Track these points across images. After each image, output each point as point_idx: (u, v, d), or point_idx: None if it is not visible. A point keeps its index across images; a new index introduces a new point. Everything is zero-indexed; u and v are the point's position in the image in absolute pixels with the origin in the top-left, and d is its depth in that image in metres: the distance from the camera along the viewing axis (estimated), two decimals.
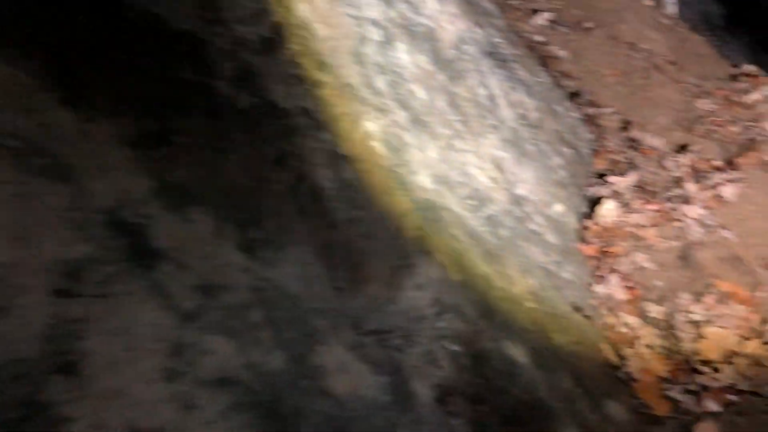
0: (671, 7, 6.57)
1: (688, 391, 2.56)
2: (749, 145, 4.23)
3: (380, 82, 2.51)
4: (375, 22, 2.64)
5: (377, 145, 2.34)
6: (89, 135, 1.39)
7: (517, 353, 2.12)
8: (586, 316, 2.81)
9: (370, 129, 2.34)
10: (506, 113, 3.63)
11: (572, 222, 3.62)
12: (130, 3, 1.78)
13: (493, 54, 4.04)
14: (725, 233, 3.51)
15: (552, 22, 6.06)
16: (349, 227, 2.04)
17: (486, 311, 2.15)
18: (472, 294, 2.16)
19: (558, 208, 3.58)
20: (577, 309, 2.79)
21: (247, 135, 1.82)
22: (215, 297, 1.47)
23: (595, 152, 4.32)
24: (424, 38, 3.05)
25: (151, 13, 1.84)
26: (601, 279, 3.26)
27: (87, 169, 1.35)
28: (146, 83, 1.64)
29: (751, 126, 4.47)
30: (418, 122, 2.64)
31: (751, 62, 5.63)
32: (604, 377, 2.46)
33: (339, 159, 2.16)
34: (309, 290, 1.75)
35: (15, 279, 1.16)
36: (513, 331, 2.19)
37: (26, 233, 1.21)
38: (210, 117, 1.75)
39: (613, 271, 3.31)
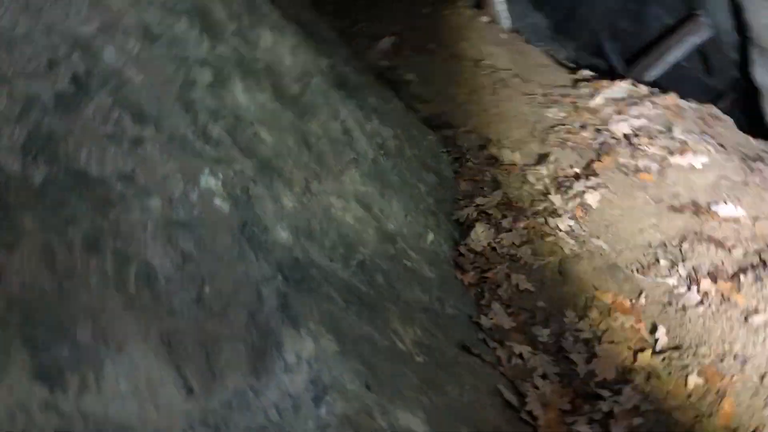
0: (505, 21, 6.72)
1: (593, 420, 2.40)
2: (603, 149, 4.28)
3: (217, 130, 2.17)
4: (203, 62, 2.30)
5: (221, 203, 1.99)
6: None
7: (413, 422, 1.84)
8: (477, 355, 2.60)
9: (210, 185, 1.99)
10: (364, 145, 3.39)
11: (447, 250, 3.43)
12: None
13: (341, 84, 3.80)
14: (597, 242, 3.47)
15: (396, 46, 5.97)
16: (195, 309, 1.68)
17: (372, 380, 1.85)
18: (354, 363, 1.86)
19: (430, 237, 3.38)
20: (467, 349, 2.57)
21: (43, 219, 1.42)
22: None
23: (458, 174, 4.20)
24: (263, 74, 2.75)
25: None
26: (484, 309, 3.08)
27: None
28: None
29: (601, 129, 4.54)
30: (267, 169, 2.32)
31: (584, 67, 5.83)
32: (507, 423, 2.24)
33: (173, 227, 1.79)
34: (150, 405, 1.37)
35: None
36: (405, 397, 1.91)
37: None
38: None
39: (495, 298, 3.14)
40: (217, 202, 1.97)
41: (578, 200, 3.74)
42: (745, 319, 2.81)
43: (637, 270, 3.26)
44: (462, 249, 3.46)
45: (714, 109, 4.69)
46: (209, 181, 1.98)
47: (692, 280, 3.08)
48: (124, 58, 2.02)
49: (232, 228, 1.96)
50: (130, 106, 1.93)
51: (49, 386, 1.17)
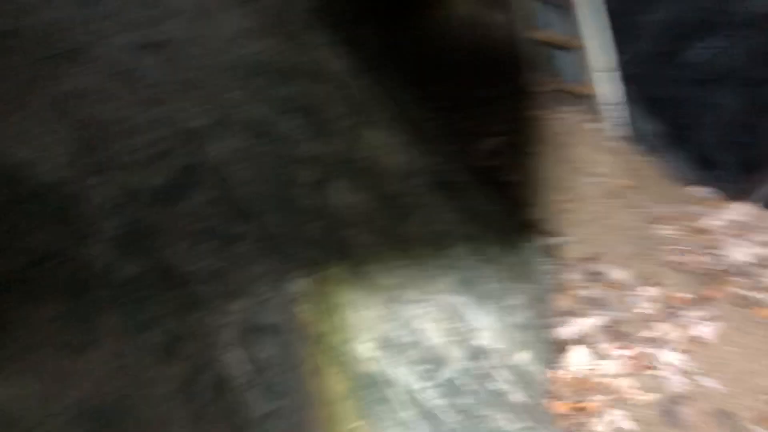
0: (618, 128, 6.55)
1: None
2: (718, 276, 3.96)
3: (312, 231, 2.13)
4: (307, 161, 2.30)
5: (301, 311, 1.91)
6: None
7: None
8: None
9: (294, 289, 1.92)
10: (461, 250, 3.28)
11: (539, 372, 3.20)
12: None
13: (443, 184, 3.73)
14: (708, 382, 3.13)
15: (501, 146, 5.91)
16: (264, 425, 1.58)
17: None
18: None
19: (522, 356, 3.17)
20: None
21: (123, 319, 1.37)
22: None
23: (557, 288, 3.98)
24: (366, 174, 2.72)
25: (6, 166, 1.44)
26: None
27: None
28: None
29: (715, 254, 4.22)
30: (357, 273, 2.24)
31: (697, 182, 5.51)
32: None
33: (255, 333, 1.72)
34: None
35: None
36: None
37: None
38: (71, 298, 1.31)
39: None
40: (298, 309, 1.89)
41: (690, 331, 3.43)
42: None
43: (752, 420, 2.90)
44: (556, 373, 3.21)
45: None
46: (293, 285, 1.91)
47: None
48: (230, 154, 2.03)
49: (310, 337, 1.87)
50: (228, 203, 1.92)
51: None
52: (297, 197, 2.15)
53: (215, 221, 1.83)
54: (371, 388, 1.92)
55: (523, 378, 3.03)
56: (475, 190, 4.41)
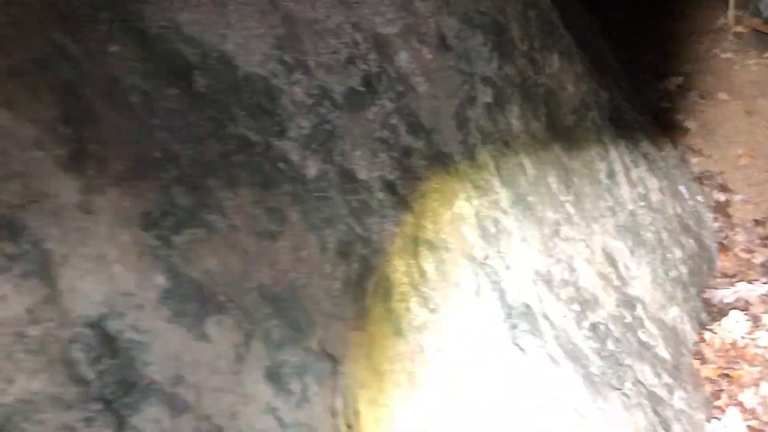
0: None
1: None
2: None
3: (484, 154, 2.10)
4: (487, 80, 2.24)
5: (469, 231, 1.92)
6: (91, 211, 1.04)
7: None
8: None
9: (464, 210, 1.92)
10: (625, 193, 3.12)
11: (689, 332, 3.05)
12: (191, 36, 1.45)
13: (616, 121, 3.54)
14: None
15: (681, 88, 5.46)
16: (419, 336, 1.63)
17: None
18: None
19: (674, 312, 3.03)
20: None
21: (304, 214, 1.44)
22: None
23: (722, 247, 3.72)
24: (542, 101, 2.62)
25: (218, 50, 1.51)
26: (718, 412, 2.69)
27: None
28: (189, 143, 1.29)
29: None
30: (522, 204, 2.20)
31: None
32: None
33: (418, 246, 1.75)
34: None
35: None
36: None
37: None
38: (264, 189, 1.38)
39: (734, 403, 2.72)
40: (465, 229, 1.89)
41: None
42: None
43: None
44: (707, 335, 3.05)
45: None
46: (463, 206, 1.91)
47: None
48: (415, 66, 2.01)
49: (474, 258, 1.88)
50: (408, 115, 1.92)
51: (274, 390, 1.18)
52: (473, 118, 2.12)
53: (394, 133, 1.84)
54: (525, 318, 1.91)
55: (671, 334, 2.90)
56: (646, 132, 4.15)
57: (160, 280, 1.10)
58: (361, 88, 1.82)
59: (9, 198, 0.96)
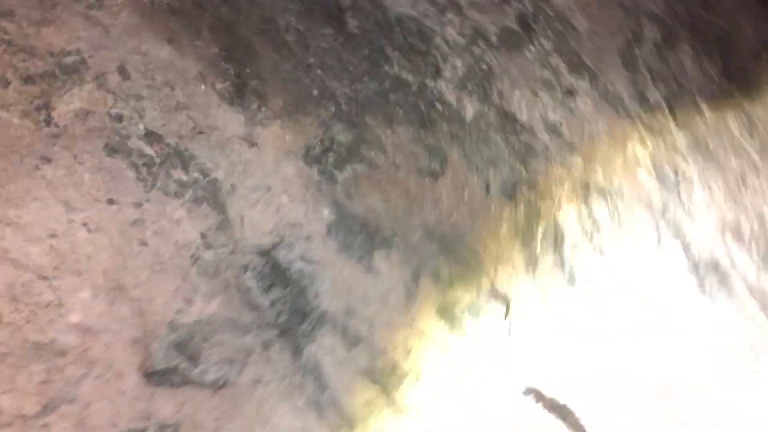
0: None
1: None
2: None
3: (655, 94, 1.90)
4: (654, 17, 2.03)
5: (645, 177, 1.74)
6: (255, 143, 1.02)
7: None
8: None
9: (638, 154, 1.75)
10: None
11: None
12: None
13: None
14: None
15: None
16: (592, 287, 1.49)
17: None
18: None
19: None
20: None
21: (465, 154, 1.35)
22: None
23: None
24: (716, 42, 2.35)
25: None
26: None
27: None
28: (345, 81, 1.25)
29: None
30: (701, 148, 1.97)
31: None
32: None
33: (590, 192, 1.60)
34: None
35: None
36: None
37: None
38: (422, 128, 1.31)
39: None
40: (642, 175, 1.72)
41: None
42: None
43: None
44: None
45: None
46: (637, 149, 1.73)
47: None
48: (573, 2, 1.86)
49: (652, 207, 1.70)
50: (569, 54, 1.78)
51: (450, 326, 1.11)
52: (640, 57, 1.93)
53: (555, 73, 1.70)
54: (713, 272, 1.70)
55: None
56: None
57: (326, 213, 1.06)
58: (517, 28, 1.70)
59: (177, 128, 0.96)
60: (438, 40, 1.52)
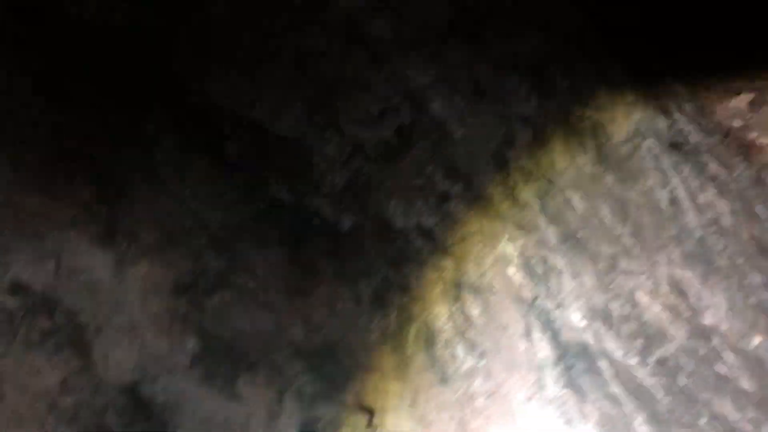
0: None
1: None
2: None
3: (526, 192, 2.08)
4: (527, 120, 2.24)
5: (514, 272, 1.90)
6: (123, 282, 1.11)
7: None
8: None
9: (507, 251, 1.91)
10: (692, 219, 3.01)
11: None
12: (223, 106, 1.53)
13: (678, 145, 3.44)
14: None
15: (753, 104, 5.24)
16: (466, 384, 1.61)
17: None
18: None
19: (757, 341, 2.85)
20: None
21: (338, 267, 1.47)
22: None
23: None
24: (588, 134, 2.59)
25: (248, 117, 1.59)
26: None
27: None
28: (219, 209, 1.36)
29: None
30: (572, 240, 2.16)
31: None
32: None
33: (461, 291, 1.75)
34: None
35: None
36: None
37: None
38: (296, 246, 1.43)
39: None
40: (510, 270, 1.88)
41: None
42: None
43: None
44: None
45: None
46: (507, 247, 1.90)
47: None
48: (449, 112, 2.04)
49: (521, 300, 1.86)
50: (444, 161, 1.94)
51: None
52: (512, 158, 2.12)
53: (430, 180, 1.86)
54: (580, 358, 1.86)
55: (755, 364, 2.74)
56: (715, 153, 4.00)
57: (191, 343, 1.15)
58: (395, 140, 1.86)
59: (44, 276, 1.04)
60: (317, 158, 1.66)
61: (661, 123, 3.32)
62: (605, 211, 2.42)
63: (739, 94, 5.31)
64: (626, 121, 2.91)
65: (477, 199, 1.95)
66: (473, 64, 2.16)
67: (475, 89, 2.13)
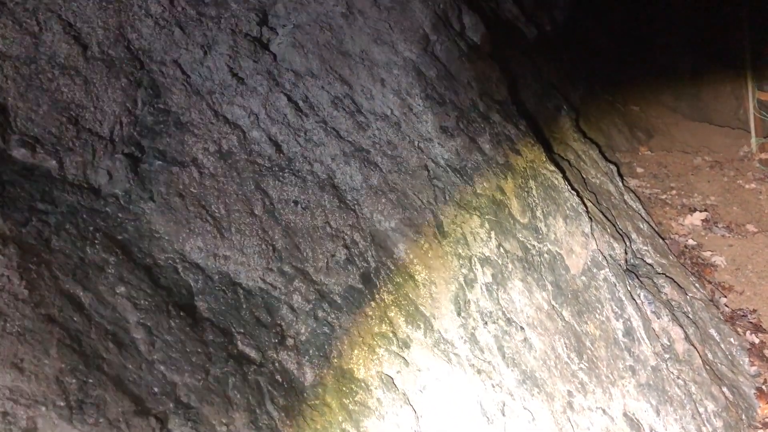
0: None
1: None
2: None
3: (485, 335, 2.17)
4: (486, 261, 2.35)
5: (473, 414, 1.95)
6: None
7: None
8: None
9: (466, 395, 1.97)
10: (646, 349, 3.11)
11: None
12: (195, 263, 1.60)
13: (633, 271, 3.59)
14: None
15: (707, 222, 5.50)
16: None
17: None
18: None
19: None
20: None
21: (297, 428, 1.52)
22: None
23: (760, 393, 3.60)
24: (547, 270, 2.71)
25: (220, 272, 1.66)
26: None
27: None
28: (187, 372, 1.41)
29: None
30: (529, 381, 2.23)
31: None
32: None
33: None
34: None
35: None
36: None
37: None
38: (258, 408, 1.47)
39: None
40: (470, 413, 1.93)
41: None
42: None
43: None
44: None
45: None
46: (466, 390, 1.96)
47: None
48: (413, 255, 2.14)
49: None
50: (406, 305, 2.02)
51: None
52: (472, 300, 2.21)
53: (392, 326, 1.93)
54: None
55: None
56: (670, 275, 4.16)
57: None
58: (360, 286, 1.94)
59: None
60: (284, 310, 1.72)
61: (618, 248, 3.47)
62: (561, 348, 2.51)
63: (693, 212, 5.57)
64: (584, 250, 3.04)
65: (437, 345, 2.02)
66: (436, 206, 2.27)
67: (437, 231, 2.24)
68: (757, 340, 4.00)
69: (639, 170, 6.25)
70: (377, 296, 1.97)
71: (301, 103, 2.10)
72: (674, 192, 6.12)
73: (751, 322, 4.19)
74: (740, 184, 6.22)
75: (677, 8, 7.03)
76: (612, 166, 5.06)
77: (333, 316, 1.82)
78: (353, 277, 1.94)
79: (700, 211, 5.64)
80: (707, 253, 5.02)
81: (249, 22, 2.22)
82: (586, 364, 2.60)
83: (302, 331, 1.73)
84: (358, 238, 2.02)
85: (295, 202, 1.91)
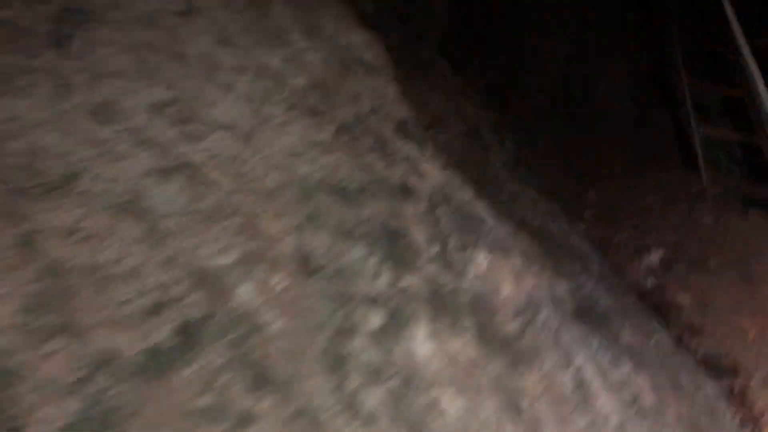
0: None
1: None
2: None
3: (372, 398, 1.58)
4: (374, 301, 1.79)
5: None
6: None
7: None
8: None
9: None
10: (606, 404, 2.53)
11: None
12: None
13: (584, 314, 3.04)
14: None
15: (666, 261, 5.03)
16: None
17: None
18: None
19: None
20: None
21: None
22: None
23: None
24: (467, 311, 2.15)
25: None
26: None
27: None
28: None
29: None
30: None
31: None
32: None
33: None
34: None
35: None
36: None
37: None
38: None
39: None
40: None
41: None
42: None
43: None
44: None
45: None
46: None
47: None
48: (263, 298, 1.57)
49: None
50: (250, 365, 1.44)
51: None
52: (353, 352, 1.63)
53: (223, 395, 1.34)
54: None
55: None
56: (629, 317, 3.64)
57: None
58: (174, 342, 1.35)
59: None
60: (26, 386, 1.13)
61: (562, 289, 2.94)
62: (491, 410, 1.92)
63: (650, 252, 5.10)
64: (515, 289, 2.51)
65: (298, 417, 1.43)
66: (301, 235, 1.73)
67: (302, 266, 1.69)
68: (736, 385, 3.46)
69: (586, 214, 5.83)
70: (203, 355, 1.39)
71: (98, 108, 1.57)
72: (627, 233, 5.68)
73: (726, 364, 3.66)
74: (695, 219, 5.82)
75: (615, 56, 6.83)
76: (555, 206, 4.61)
77: (121, 386, 1.23)
78: (161, 332, 1.36)
79: (657, 250, 5.19)
80: (670, 293, 4.53)
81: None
82: (525, 428, 2.01)
83: (57, 415, 1.13)
84: (175, 278, 1.45)
85: (71, 232, 1.35)
